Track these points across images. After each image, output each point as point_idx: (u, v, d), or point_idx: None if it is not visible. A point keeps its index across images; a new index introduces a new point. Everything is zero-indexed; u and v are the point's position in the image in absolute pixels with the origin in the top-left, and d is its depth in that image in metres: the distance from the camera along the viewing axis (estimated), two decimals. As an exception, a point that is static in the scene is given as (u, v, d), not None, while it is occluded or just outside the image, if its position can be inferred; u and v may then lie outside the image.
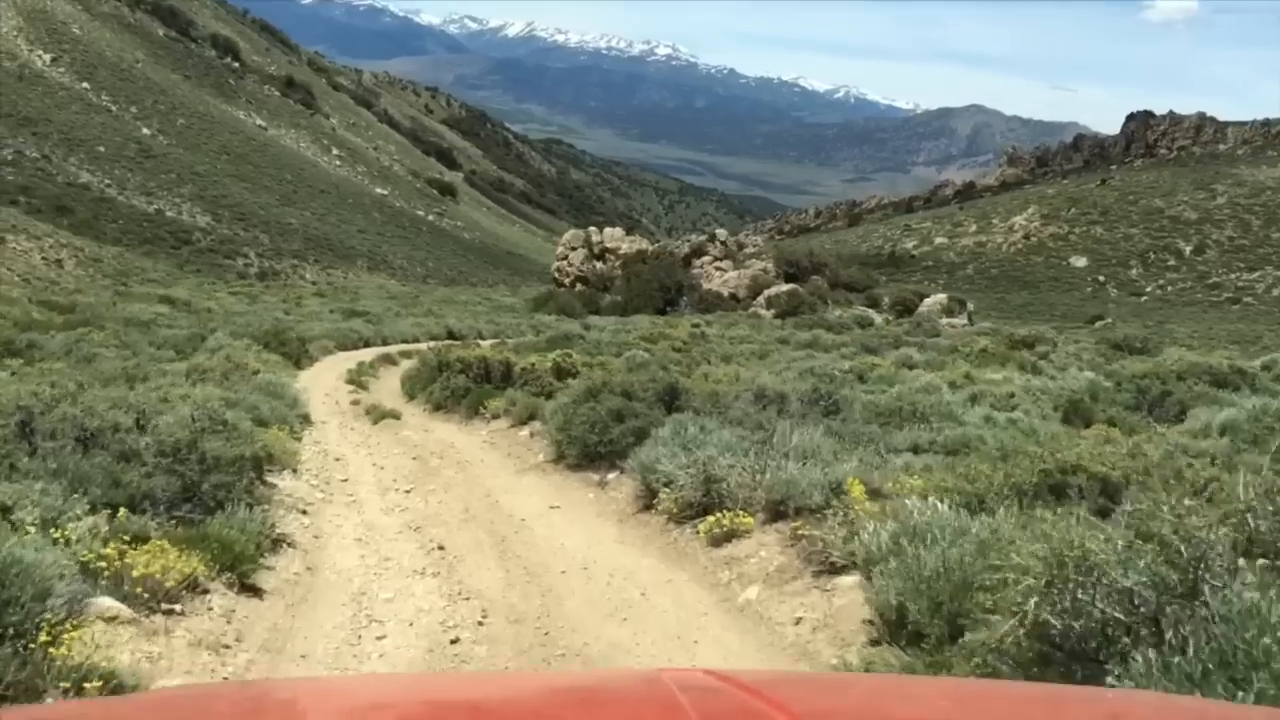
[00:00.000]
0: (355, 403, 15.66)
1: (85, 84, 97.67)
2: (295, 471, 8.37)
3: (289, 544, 6.36)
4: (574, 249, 64.33)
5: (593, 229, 67.93)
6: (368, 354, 22.92)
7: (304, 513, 7.28)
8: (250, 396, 10.25)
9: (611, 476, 7.82)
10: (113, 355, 16.21)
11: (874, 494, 5.57)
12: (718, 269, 59.32)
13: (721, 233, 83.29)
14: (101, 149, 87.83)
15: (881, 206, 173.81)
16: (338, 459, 9.60)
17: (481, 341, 28.13)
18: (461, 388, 13.90)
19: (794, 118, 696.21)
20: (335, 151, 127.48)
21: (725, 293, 54.59)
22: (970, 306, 42.53)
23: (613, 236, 67.33)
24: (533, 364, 13.27)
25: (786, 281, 54.81)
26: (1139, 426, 9.22)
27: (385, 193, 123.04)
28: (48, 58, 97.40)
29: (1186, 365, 13.10)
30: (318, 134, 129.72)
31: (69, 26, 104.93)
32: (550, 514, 7.49)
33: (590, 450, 8.09)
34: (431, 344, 24.60)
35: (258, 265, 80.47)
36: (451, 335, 28.58)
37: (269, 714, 1.44)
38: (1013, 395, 10.33)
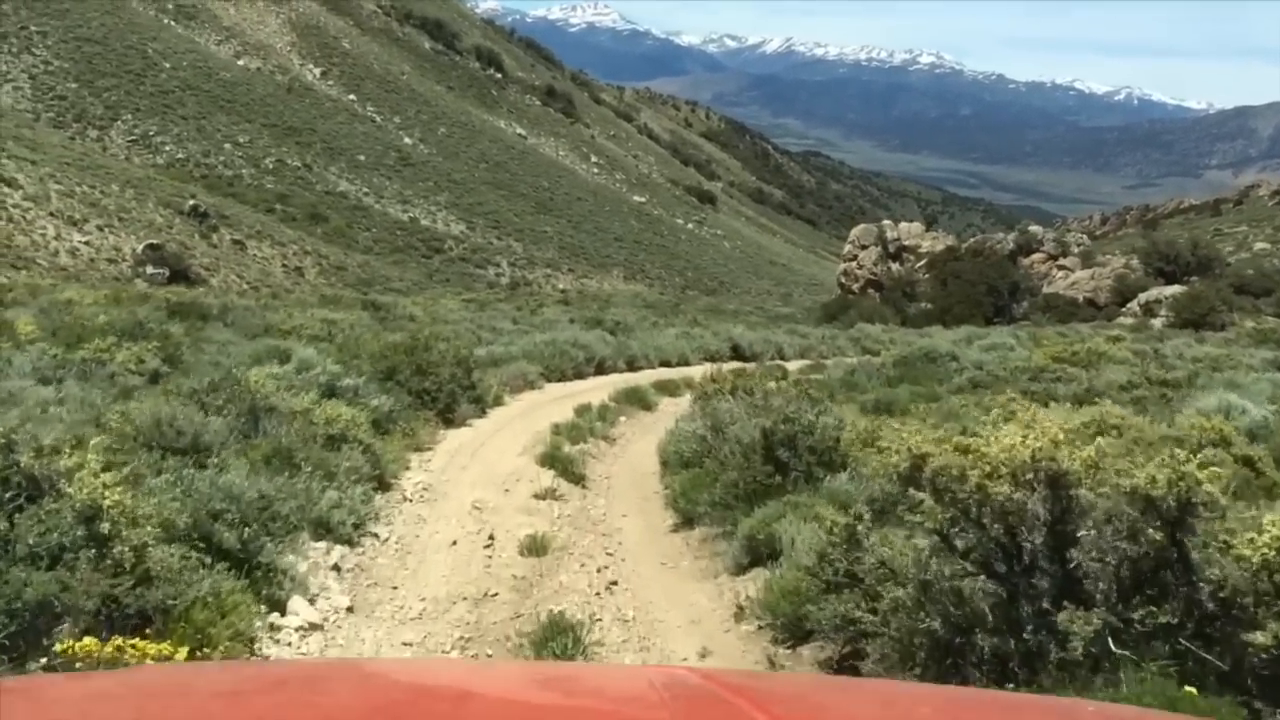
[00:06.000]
0: (532, 550, 5.27)
1: (351, 95, 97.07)
2: None
3: None
4: (864, 247, 52.68)
5: (887, 223, 55.97)
6: (600, 386, 12.76)
7: None
8: None
9: None
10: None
11: None
12: (1060, 268, 45.73)
13: (1036, 229, 69.26)
14: (362, 158, 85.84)
15: (1181, 210, 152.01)
16: None
17: (784, 362, 17.45)
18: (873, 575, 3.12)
19: (1068, 122, 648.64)
20: (593, 159, 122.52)
21: (1079, 296, 41.08)
22: None
23: (910, 232, 55.21)
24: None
25: (1167, 281, 40.52)
26: None
27: (643, 200, 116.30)
28: (318, 71, 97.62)
29: None
30: (576, 142, 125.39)
31: (340, 41, 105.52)
32: None
33: None
34: (710, 368, 14.18)
35: (509, 274, 74.75)
36: (738, 353, 18.00)
37: (251, 695, 1.34)
38: None
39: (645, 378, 14.04)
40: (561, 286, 71.32)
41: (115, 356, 11.21)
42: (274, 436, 5.67)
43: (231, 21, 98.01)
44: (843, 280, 52.71)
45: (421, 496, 6.62)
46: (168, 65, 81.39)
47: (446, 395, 9.19)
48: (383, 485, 6.64)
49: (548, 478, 7.43)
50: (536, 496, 6.87)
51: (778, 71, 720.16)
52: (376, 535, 5.64)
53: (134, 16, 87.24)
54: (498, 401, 10.77)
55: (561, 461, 7.88)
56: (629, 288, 77.75)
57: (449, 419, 9.21)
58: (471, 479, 7.28)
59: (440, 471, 7.44)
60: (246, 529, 4.09)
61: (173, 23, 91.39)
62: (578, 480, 7.62)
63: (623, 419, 10.86)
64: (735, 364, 16.38)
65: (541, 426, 9.34)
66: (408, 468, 7.40)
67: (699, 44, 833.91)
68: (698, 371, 15.00)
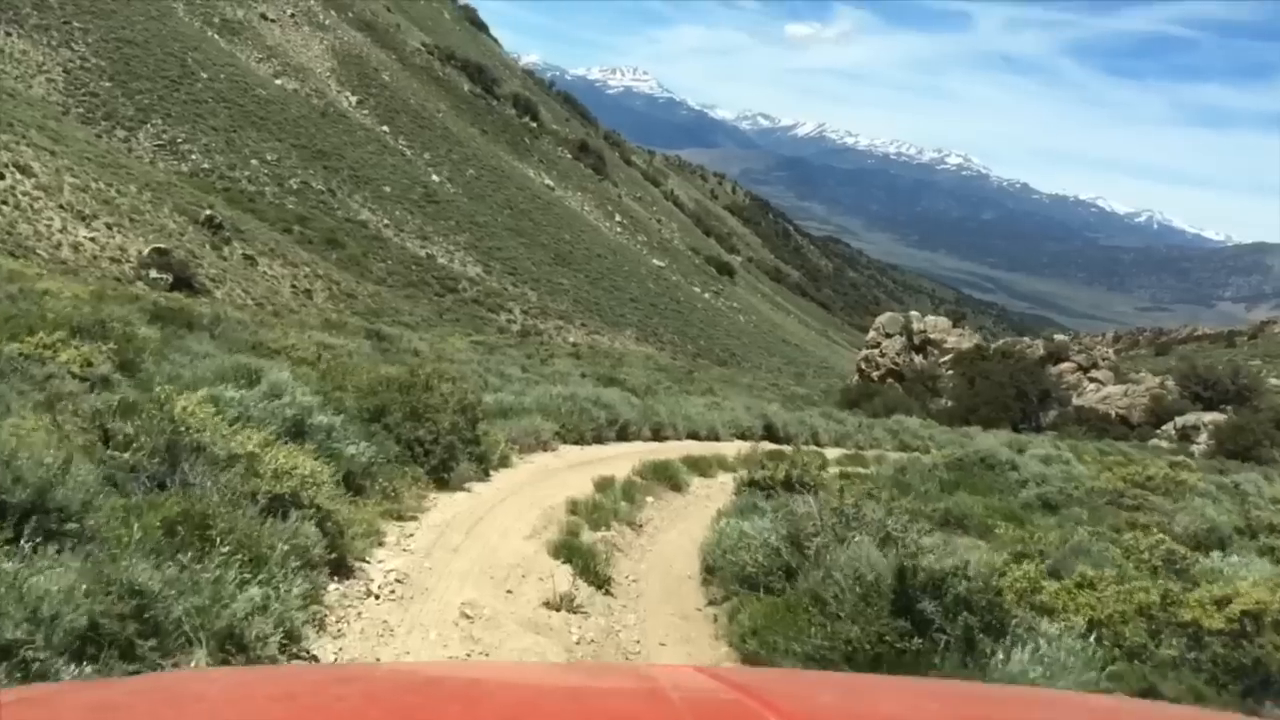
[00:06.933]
0: None
1: (385, 127, 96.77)
2: None
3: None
4: (889, 336, 51.16)
5: (914, 314, 54.54)
6: (623, 454, 10.94)
7: None
8: None
9: None
10: None
11: None
12: (1091, 380, 44.04)
13: (1061, 338, 68.35)
14: (387, 189, 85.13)
15: (1195, 338, 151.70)
16: None
17: (821, 449, 15.66)
18: None
19: (1087, 238, 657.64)
20: (618, 218, 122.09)
21: (1111, 412, 39.33)
22: None
23: (936, 327, 53.74)
24: None
25: (1205, 407, 38.78)
26: None
27: (663, 264, 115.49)
28: (354, 99, 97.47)
29: None
30: (603, 199, 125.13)
31: (380, 73, 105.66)
32: None
33: None
34: (743, 447, 12.46)
35: (521, 322, 73.31)
36: (770, 433, 16.21)
37: (260, 699, 1.34)
38: None
39: (673, 450, 12.22)
40: (573, 340, 69.82)
41: (59, 355, 9.49)
42: (190, 491, 3.88)
43: (275, 41, 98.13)
44: (863, 366, 51.07)
45: (393, 591, 4.77)
46: (205, 75, 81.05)
47: (444, 449, 7.36)
48: (342, 569, 4.83)
49: (563, 576, 5.61)
50: (548, 605, 5.06)
51: (807, 155, 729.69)
52: (315, 658, 3.80)
53: (179, 25, 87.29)
54: (504, 462, 8.93)
55: (580, 554, 6.06)
56: (640, 349, 76.20)
57: (443, 479, 7.37)
58: (463, 568, 5.46)
59: (423, 553, 5.60)
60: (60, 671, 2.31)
61: (216, 36, 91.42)
62: (600, 583, 5.79)
63: (649, 499, 9.04)
64: (768, 444, 14.59)
65: (555, 500, 7.52)
66: (381, 544, 5.57)
67: (732, 119, 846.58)
68: (730, 449, 13.21)
